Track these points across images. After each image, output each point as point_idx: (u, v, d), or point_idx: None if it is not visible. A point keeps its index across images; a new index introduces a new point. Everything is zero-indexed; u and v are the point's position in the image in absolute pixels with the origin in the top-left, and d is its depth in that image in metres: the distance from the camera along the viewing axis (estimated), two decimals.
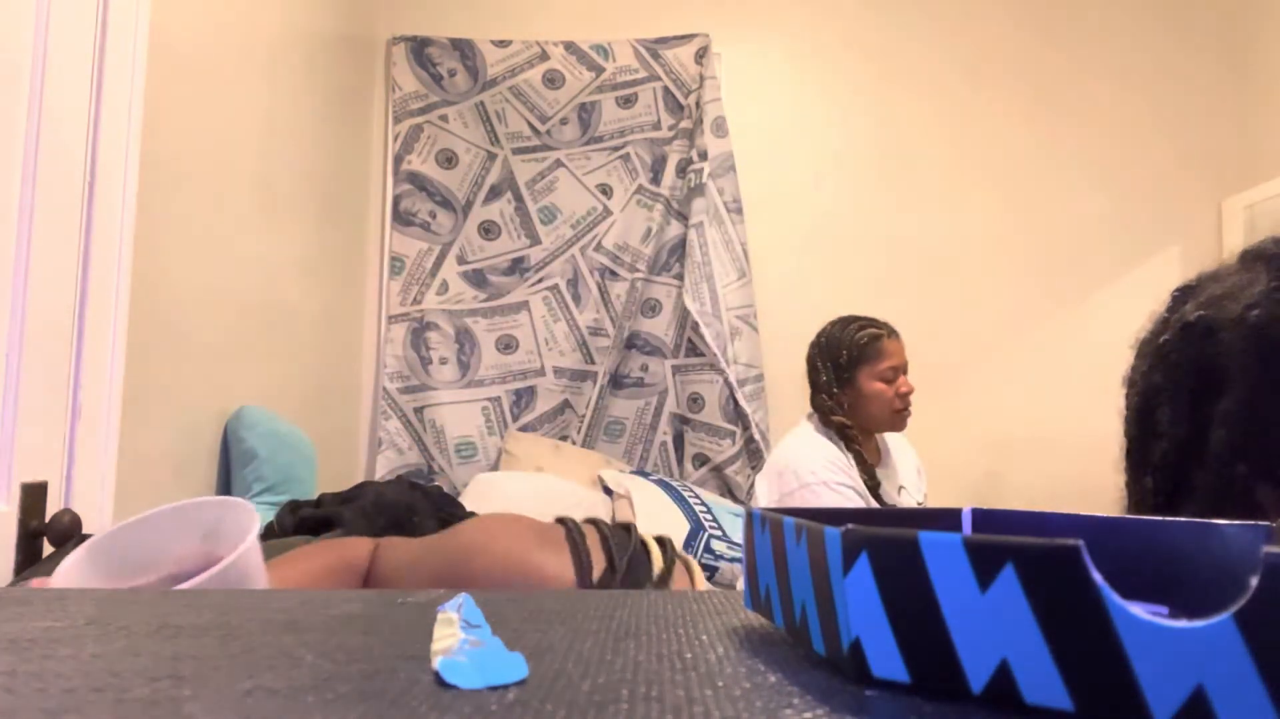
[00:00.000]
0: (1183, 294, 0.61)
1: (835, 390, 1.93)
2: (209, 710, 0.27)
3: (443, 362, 2.75)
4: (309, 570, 0.86)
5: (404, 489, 1.35)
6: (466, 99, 2.85)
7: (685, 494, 2.36)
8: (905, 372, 1.95)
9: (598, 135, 2.85)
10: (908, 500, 2.00)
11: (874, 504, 1.87)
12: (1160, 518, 0.38)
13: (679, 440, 2.79)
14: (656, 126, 2.85)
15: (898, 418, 1.95)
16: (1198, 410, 0.55)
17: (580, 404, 2.78)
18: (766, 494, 1.93)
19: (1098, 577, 0.24)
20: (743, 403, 2.66)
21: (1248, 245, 0.60)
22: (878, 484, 1.91)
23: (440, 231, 2.81)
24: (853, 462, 1.91)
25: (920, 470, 2.13)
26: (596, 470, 2.53)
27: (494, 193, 2.83)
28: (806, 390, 2.02)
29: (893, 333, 1.96)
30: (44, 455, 1.19)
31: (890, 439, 2.07)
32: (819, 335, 2.00)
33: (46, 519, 1.18)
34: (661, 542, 0.91)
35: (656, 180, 2.82)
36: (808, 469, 1.86)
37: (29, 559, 1.16)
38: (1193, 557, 0.36)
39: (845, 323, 1.98)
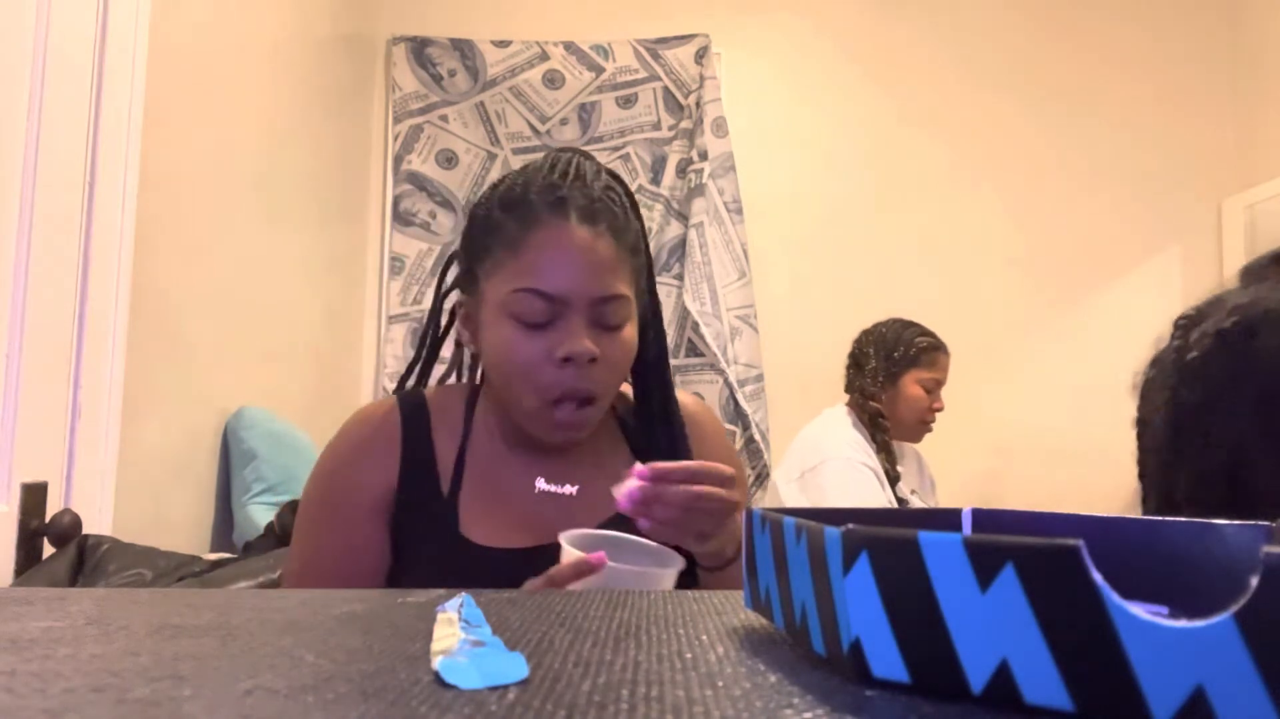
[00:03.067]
0: (1189, 321, 0.59)
1: (880, 379, 1.96)
2: (209, 710, 0.27)
3: (442, 362, 2.75)
4: None
5: None
6: (466, 99, 2.85)
7: None
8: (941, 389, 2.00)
9: (598, 135, 2.85)
10: (917, 505, 2.02)
11: (893, 495, 1.89)
12: (1160, 518, 0.38)
13: None
14: (656, 127, 2.85)
15: (920, 429, 2.00)
16: (1266, 412, 0.53)
17: None
18: (786, 474, 1.94)
19: (1098, 577, 0.24)
20: (743, 403, 2.66)
21: (1247, 263, 0.60)
22: (898, 477, 1.94)
23: (440, 232, 2.81)
24: (874, 450, 1.94)
25: (932, 482, 2.15)
26: None
27: None
28: (842, 378, 2.05)
29: (947, 350, 2.01)
30: (44, 455, 1.19)
31: (907, 447, 2.09)
32: (876, 327, 2.05)
33: (46, 519, 1.18)
34: None
35: (656, 180, 2.82)
36: (831, 446, 1.89)
37: (29, 559, 1.16)
38: (1193, 557, 0.36)
39: (907, 324, 2.04)
